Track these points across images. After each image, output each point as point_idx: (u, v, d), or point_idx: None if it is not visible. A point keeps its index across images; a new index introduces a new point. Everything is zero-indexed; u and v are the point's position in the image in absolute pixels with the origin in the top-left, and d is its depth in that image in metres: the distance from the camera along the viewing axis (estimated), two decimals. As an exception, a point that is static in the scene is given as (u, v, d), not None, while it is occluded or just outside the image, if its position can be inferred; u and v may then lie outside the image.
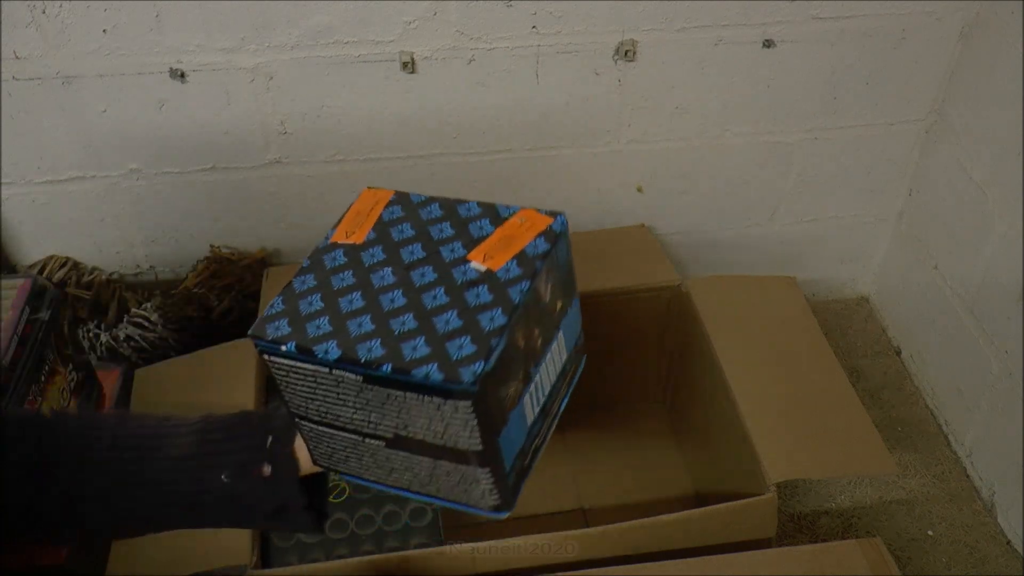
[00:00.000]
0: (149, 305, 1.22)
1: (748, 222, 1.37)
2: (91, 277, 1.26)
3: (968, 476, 1.24)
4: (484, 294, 0.54)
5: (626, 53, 1.14)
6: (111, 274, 1.29)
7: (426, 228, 0.60)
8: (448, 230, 0.60)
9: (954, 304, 1.25)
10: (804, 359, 1.06)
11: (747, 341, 1.07)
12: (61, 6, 1.01)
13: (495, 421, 0.52)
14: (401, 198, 0.63)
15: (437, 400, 0.50)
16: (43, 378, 0.95)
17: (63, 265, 1.24)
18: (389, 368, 0.50)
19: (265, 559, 0.92)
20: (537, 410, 0.59)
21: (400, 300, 0.54)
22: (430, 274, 0.56)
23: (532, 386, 0.57)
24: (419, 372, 0.50)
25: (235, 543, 0.86)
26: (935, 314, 1.30)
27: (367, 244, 0.59)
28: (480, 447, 0.53)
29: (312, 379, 0.54)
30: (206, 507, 0.61)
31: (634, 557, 0.86)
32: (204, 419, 0.62)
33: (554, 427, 0.63)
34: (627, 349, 1.23)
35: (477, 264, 0.56)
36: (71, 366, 1.02)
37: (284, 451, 0.61)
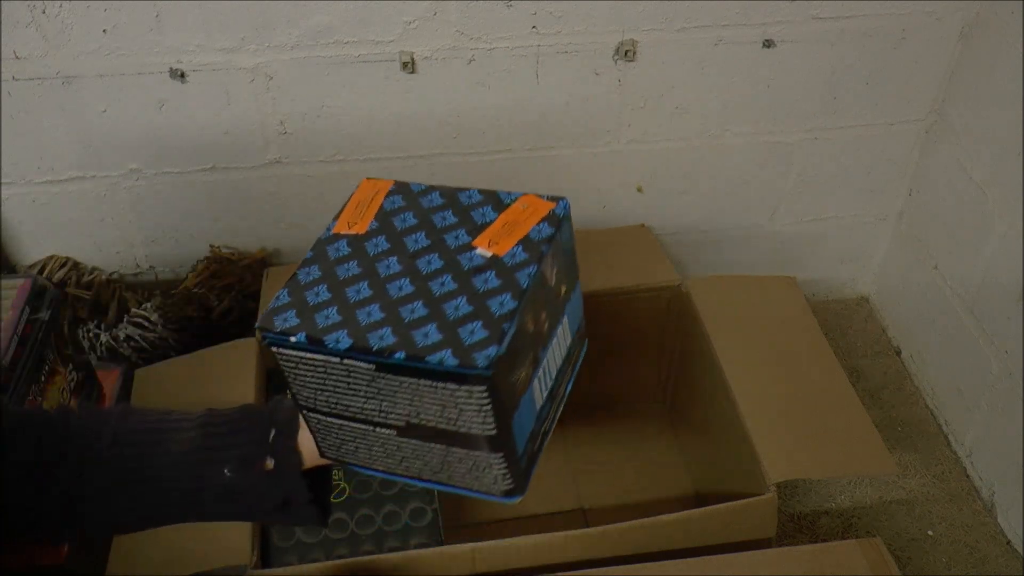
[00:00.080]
0: (149, 305, 1.22)
1: (748, 222, 1.37)
2: (91, 277, 1.26)
3: (968, 476, 1.24)
4: (492, 279, 0.54)
5: (626, 53, 1.14)
6: (111, 274, 1.29)
7: (428, 216, 0.60)
8: (451, 218, 0.60)
9: (954, 304, 1.25)
10: (804, 359, 1.06)
11: (747, 341, 1.07)
12: (61, 6, 1.01)
13: (508, 405, 0.53)
14: (401, 188, 0.64)
15: (451, 386, 0.51)
16: (43, 378, 0.95)
17: (63, 265, 1.24)
18: (403, 355, 0.51)
19: (265, 559, 0.92)
20: (545, 394, 0.59)
21: (408, 288, 0.55)
22: (436, 261, 0.56)
23: (540, 370, 0.57)
24: (433, 358, 0.50)
25: (235, 543, 0.86)
26: (935, 314, 1.30)
27: (370, 234, 0.60)
28: (494, 431, 0.53)
29: (322, 370, 0.54)
30: (208, 502, 0.61)
31: (634, 557, 0.86)
32: (206, 413, 0.62)
33: (560, 411, 0.63)
34: (627, 349, 1.23)
35: (483, 250, 0.57)
36: (71, 366, 1.02)
37: (287, 445, 0.61)
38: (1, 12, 1.01)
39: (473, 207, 0.61)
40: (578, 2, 1.08)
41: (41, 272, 1.23)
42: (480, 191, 0.62)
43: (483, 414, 0.52)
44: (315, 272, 0.57)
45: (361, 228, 0.60)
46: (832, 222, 1.40)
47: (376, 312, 0.53)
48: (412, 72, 1.12)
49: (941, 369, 1.31)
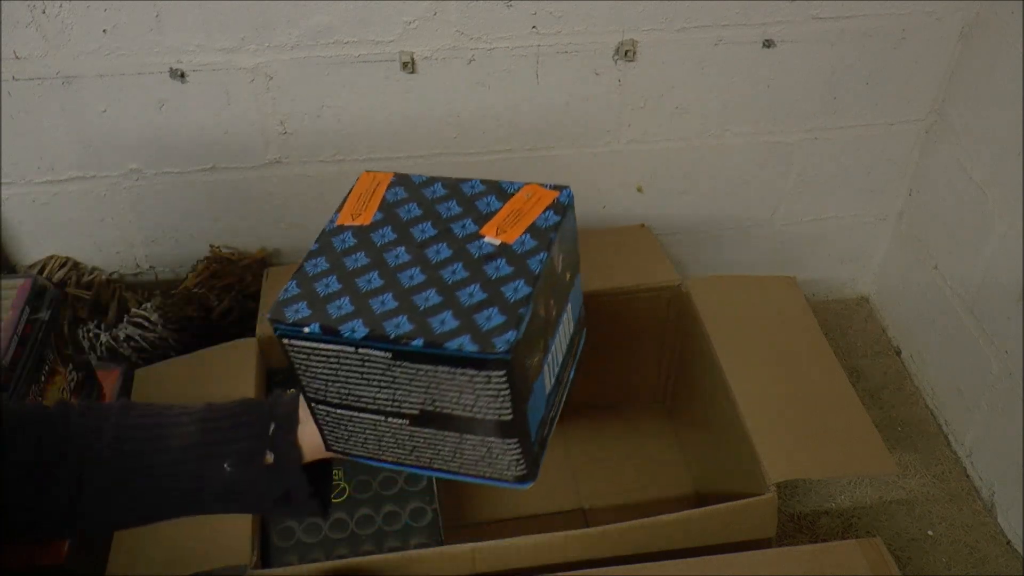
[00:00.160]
0: (149, 305, 1.22)
1: (748, 222, 1.37)
2: (91, 277, 1.26)
3: (968, 476, 1.24)
4: (503, 267, 0.55)
5: (626, 53, 1.14)
6: (111, 274, 1.29)
7: (433, 207, 0.61)
8: (456, 208, 0.61)
9: (954, 304, 1.25)
10: (804, 359, 1.06)
11: (747, 341, 1.07)
12: (61, 6, 1.01)
13: (523, 390, 0.53)
14: (402, 179, 0.64)
15: (470, 371, 0.51)
16: (43, 378, 0.95)
17: (63, 265, 1.24)
18: (421, 342, 0.51)
19: (265, 559, 0.92)
20: (553, 380, 0.60)
21: (419, 277, 0.55)
22: (445, 250, 0.57)
23: (549, 356, 0.58)
24: (452, 344, 0.50)
25: (235, 543, 0.86)
26: (935, 314, 1.30)
27: (375, 225, 0.60)
28: (510, 416, 0.53)
29: (334, 360, 0.54)
30: (209, 496, 0.61)
31: (634, 557, 0.86)
32: (206, 408, 0.62)
33: (564, 398, 0.64)
34: (627, 349, 1.23)
35: (491, 239, 0.57)
36: (71, 366, 1.02)
37: (287, 439, 0.61)
38: (1, 12, 1.01)
39: (477, 197, 0.62)
40: (578, 2, 1.08)
41: (41, 272, 1.23)
42: (482, 181, 0.63)
43: (500, 399, 0.52)
44: (322, 264, 0.57)
45: (366, 219, 0.60)
46: (832, 222, 1.40)
47: (390, 301, 0.54)
48: (412, 72, 1.12)
49: (941, 369, 1.31)
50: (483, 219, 0.59)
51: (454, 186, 0.63)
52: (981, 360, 1.19)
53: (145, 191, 1.20)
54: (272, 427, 0.61)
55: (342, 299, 0.54)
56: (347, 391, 0.56)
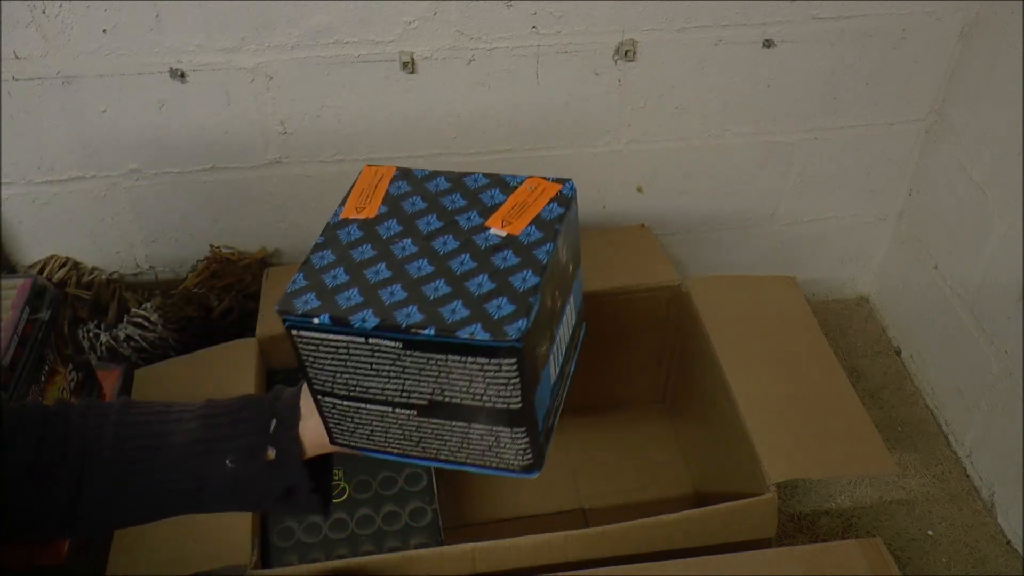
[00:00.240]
0: (149, 305, 1.22)
1: (748, 222, 1.37)
2: (91, 277, 1.26)
3: (968, 476, 1.24)
4: (510, 257, 0.56)
5: (626, 53, 1.14)
6: (111, 274, 1.29)
7: (437, 200, 0.62)
8: (460, 200, 0.61)
9: (954, 304, 1.25)
10: (804, 359, 1.06)
11: (747, 341, 1.07)
12: (61, 6, 1.01)
13: (532, 379, 0.54)
14: (405, 173, 0.65)
15: (481, 360, 0.52)
16: (43, 378, 0.95)
17: (63, 265, 1.24)
18: (432, 331, 0.51)
19: (265, 559, 0.92)
20: (557, 370, 0.60)
21: (427, 268, 0.56)
22: (451, 242, 0.58)
23: (554, 346, 0.59)
24: (464, 332, 0.51)
25: (235, 543, 0.86)
26: (935, 314, 1.30)
27: (381, 218, 0.60)
28: (519, 405, 0.54)
29: (344, 351, 0.54)
30: (210, 494, 0.61)
31: (634, 557, 0.86)
32: (207, 405, 0.62)
33: (566, 391, 0.64)
34: (627, 349, 1.23)
35: (497, 230, 0.58)
36: (71, 366, 1.02)
37: (289, 435, 0.61)
38: (1, 12, 1.01)
39: (481, 190, 0.62)
40: (578, 2, 1.08)
41: (41, 272, 1.23)
42: (485, 175, 0.64)
43: (510, 387, 0.53)
44: (329, 256, 0.58)
45: (370, 212, 0.61)
46: (832, 222, 1.40)
47: (399, 291, 0.54)
48: (412, 72, 1.12)
49: (941, 369, 1.31)
50: (488, 211, 0.60)
51: (457, 180, 0.64)
52: (981, 360, 1.19)
53: (145, 191, 1.20)
54: (274, 423, 0.61)
55: (351, 290, 0.55)
56: (355, 382, 0.56)
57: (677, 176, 1.29)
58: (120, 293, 1.26)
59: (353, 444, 0.62)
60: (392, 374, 0.55)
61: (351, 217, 0.61)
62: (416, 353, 0.53)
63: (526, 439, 0.57)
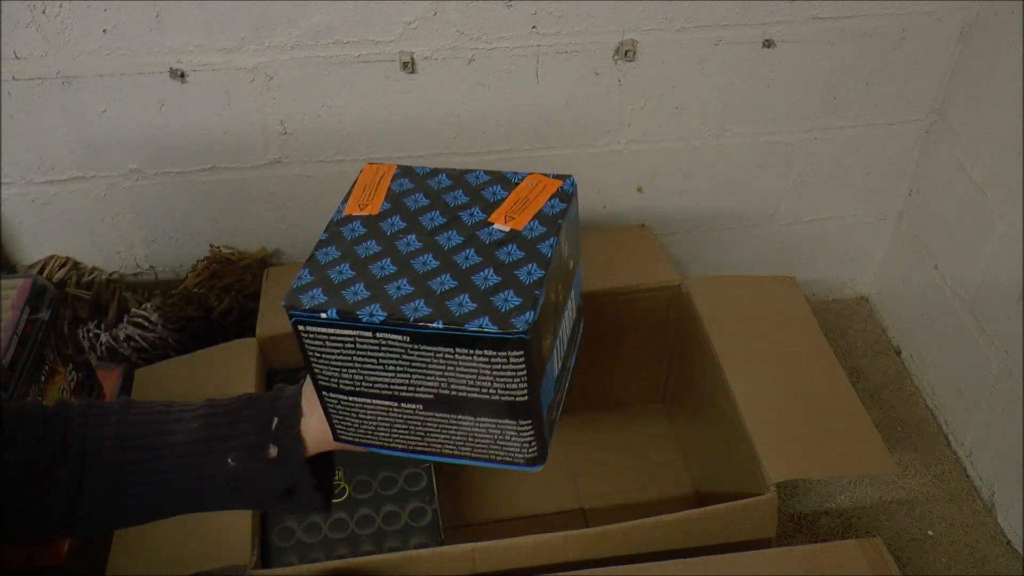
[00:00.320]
0: (149, 305, 1.22)
1: (748, 222, 1.37)
2: (91, 277, 1.26)
3: (968, 476, 1.24)
4: (515, 252, 0.56)
5: (626, 53, 1.14)
6: (111, 274, 1.29)
7: (440, 196, 0.62)
8: (462, 197, 0.62)
9: (954, 304, 1.25)
10: (804, 359, 1.06)
11: (747, 341, 1.07)
12: (61, 6, 1.01)
13: (537, 372, 0.54)
14: (406, 171, 0.65)
15: (488, 352, 0.52)
16: (43, 378, 0.95)
17: (63, 265, 1.24)
18: (441, 324, 0.52)
19: (265, 559, 0.92)
20: (559, 364, 0.61)
21: (433, 263, 0.56)
22: (456, 237, 0.58)
23: (558, 340, 0.59)
24: (472, 325, 0.51)
25: (235, 543, 0.86)
26: (935, 314, 1.30)
27: (384, 214, 0.61)
28: (526, 397, 0.54)
29: (350, 346, 0.55)
30: (212, 492, 0.61)
31: (634, 557, 0.86)
32: (207, 404, 0.62)
33: (567, 385, 0.65)
34: (627, 349, 1.23)
35: (500, 226, 0.59)
36: (71, 366, 1.02)
37: (290, 432, 0.61)
38: (1, 12, 1.01)
39: (482, 187, 0.63)
40: (578, 2, 1.08)
41: (41, 272, 1.23)
42: (486, 172, 0.64)
43: (517, 380, 0.53)
44: (334, 252, 0.58)
45: (373, 209, 0.61)
46: (832, 222, 1.40)
47: (405, 286, 0.54)
48: (412, 72, 1.12)
49: (941, 369, 1.31)
50: (490, 207, 0.60)
51: (458, 176, 0.64)
52: (981, 360, 1.19)
53: (145, 191, 1.20)
54: (275, 422, 0.61)
55: (357, 285, 0.55)
56: (361, 377, 0.56)
57: (677, 176, 1.29)
58: (120, 293, 1.26)
59: (357, 440, 0.62)
60: (399, 368, 0.55)
61: (354, 214, 0.61)
62: (423, 347, 0.53)
63: (531, 432, 0.57)
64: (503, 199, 0.61)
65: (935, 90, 1.24)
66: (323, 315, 0.53)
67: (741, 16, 1.12)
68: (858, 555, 0.84)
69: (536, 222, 0.59)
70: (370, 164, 0.66)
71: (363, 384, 0.57)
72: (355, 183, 0.64)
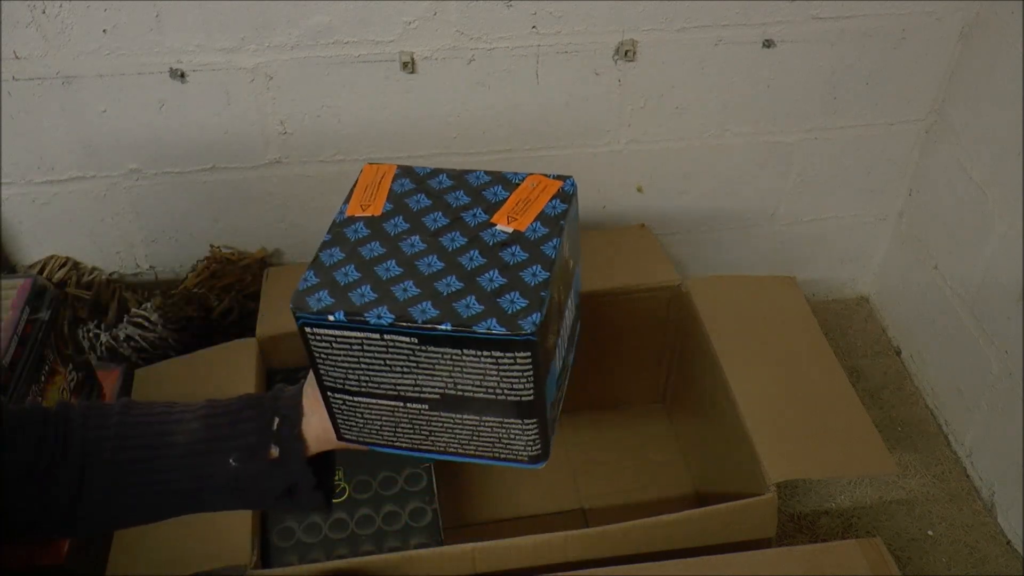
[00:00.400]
0: (149, 305, 1.22)
1: (748, 222, 1.37)
2: (91, 277, 1.26)
3: (968, 476, 1.24)
4: (519, 253, 0.57)
5: (626, 53, 1.14)
6: (111, 274, 1.29)
7: (441, 197, 0.62)
8: (464, 197, 0.62)
9: (954, 304, 1.25)
10: (804, 359, 1.06)
11: (747, 341, 1.07)
12: (61, 6, 1.01)
13: (543, 372, 0.55)
14: (407, 171, 0.65)
15: (496, 353, 0.52)
16: (43, 378, 0.95)
17: (63, 265, 1.24)
18: (449, 326, 0.52)
19: (265, 559, 0.92)
20: (561, 363, 0.61)
21: (438, 264, 0.56)
22: (459, 238, 0.58)
23: (560, 340, 0.60)
24: (480, 327, 0.52)
25: (235, 543, 0.86)
26: (935, 314, 1.30)
27: (387, 215, 0.61)
28: (532, 397, 0.55)
29: (358, 347, 0.55)
30: (213, 492, 0.61)
31: (634, 557, 0.86)
32: (208, 404, 0.62)
33: (567, 383, 0.65)
34: (627, 349, 1.23)
35: (503, 226, 0.59)
36: (71, 366, 1.02)
37: (292, 432, 0.61)
38: (1, 12, 1.01)
39: (484, 187, 0.63)
40: (578, 2, 1.08)
41: (41, 272, 1.23)
42: (486, 172, 0.64)
43: (524, 380, 0.54)
44: (338, 254, 0.58)
45: (376, 210, 0.61)
46: (832, 222, 1.40)
47: (412, 288, 0.54)
48: (412, 72, 1.12)
49: (941, 369, 1.31)
50: (492, 208, 0.61)
51: (459, 177, 0.64)
52: (981, 360, 1.19)
53: (145, 191, 1.20)
54: (276, 422, 0.61)
55: (363, 287, 0.55)
56: (368, 378, 0.56)
57: (677, 176, 1.29)
58: (120, 293, 1.26)
59: (362, 440, 0.62)
60: (406, 369, 0.55)
61: (357, 215, 0.61)
62: (431, 348, 0.53)
63: (536, 429, 0.57)
64: (504, 200, 0.61)
65: (935, 90, 1.24)
66: (331, 317, 0.54)
67: (741, 16, 1.12)
68: (858, 555, 0.84)
69: (538, 223, 0.59)
70: (370, 164, 0.66)
71: (369, 385, 0.57)
72: (356, 183, 0.64)
